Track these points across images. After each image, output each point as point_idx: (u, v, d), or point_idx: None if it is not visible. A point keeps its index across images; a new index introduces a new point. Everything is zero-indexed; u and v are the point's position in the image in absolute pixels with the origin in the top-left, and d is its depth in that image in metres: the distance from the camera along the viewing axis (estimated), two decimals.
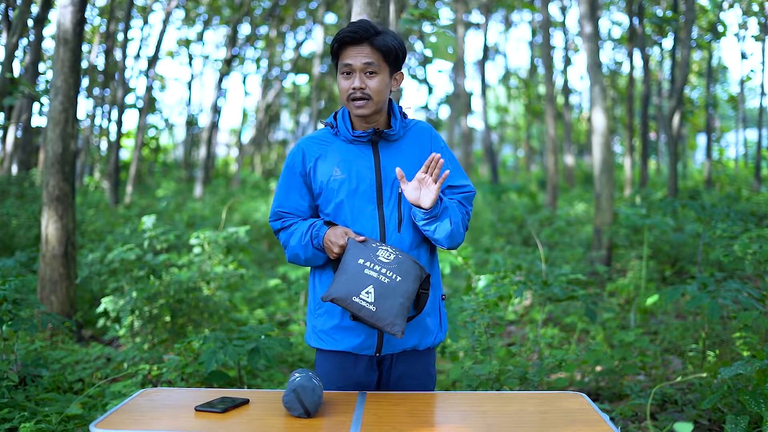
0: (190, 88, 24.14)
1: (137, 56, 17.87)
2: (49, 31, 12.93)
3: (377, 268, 1.98)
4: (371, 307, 1.95)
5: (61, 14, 4.88)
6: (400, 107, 2.21)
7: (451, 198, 2.20)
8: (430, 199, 2.02)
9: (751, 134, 25.41)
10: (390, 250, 2.02)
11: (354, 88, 2.06)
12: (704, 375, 3.35)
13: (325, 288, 2.15)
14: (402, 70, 2.18)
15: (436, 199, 2.03)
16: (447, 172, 1.99)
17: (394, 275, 1.98)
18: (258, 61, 23.30)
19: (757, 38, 15.44)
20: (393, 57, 2.09)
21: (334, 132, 2.17)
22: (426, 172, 2.03)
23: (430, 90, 26.65)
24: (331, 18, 20.66)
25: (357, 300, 1.95)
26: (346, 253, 2.01)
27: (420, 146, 2.19)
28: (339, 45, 2.08)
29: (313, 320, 2.21)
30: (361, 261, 1.98)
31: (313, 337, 2.20)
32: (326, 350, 2.18)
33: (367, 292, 1.95)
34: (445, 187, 2.20)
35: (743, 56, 17.99)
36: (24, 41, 11.24)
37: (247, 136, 25.95)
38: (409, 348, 2.16)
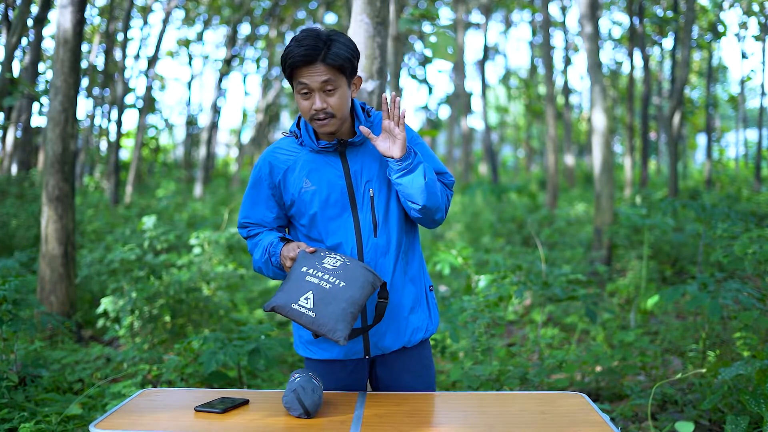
0: (190, 88, 24.15)
1: (137, 56, 17.86)
2: (48, 31, 12.94)
3: (319, 274, 1.94)
4: (310, 313, 1.91)
5: (60, 14, 4.88)
6: (362, 104, 2.15)
7: None
8: (399, 147, 2.00)
9: (751, 134, 25.42)
10: (339, 258, 1.99)
11: (316, 110, 1.99)
12: (704, 371, 3.34)
13: None
14: (359, 74, 2.11)
15: (405, 145, 2.00)
16: (404, 111, 1.98)
17: (338, 281, 1.94)
18: (258, 61, 23.29)
19: (757, 38, 15.44)
20: (348, 67, 2.01)
21: (299, 141, 2.13)
22: (389, 119, 2.01)
23: (430, 90, 26.64)
24: (331, 18, 20.66)
25: (296, 307, 1.92)
26: (293, 265, 2.00)
27: None
28: (291, 68, 1.99)
29: (298, 330, 2.21)
30: (304, 269, 1.96)
31: (301, 347, 2.21)
32: (314, 359, 2.18)
33: (306, 299, 1.92)
34: None
35: (743, 56, 17.99)
36: (24, 41, 11.23)
37: (247, 136, 25.95)
38: (397, 348, 2.15)
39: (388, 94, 2.03)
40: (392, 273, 2.11)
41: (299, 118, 2.15)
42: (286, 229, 2.24)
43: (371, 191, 2.09)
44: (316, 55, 1.95)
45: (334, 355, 2.13)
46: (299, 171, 2.10)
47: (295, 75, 1.99)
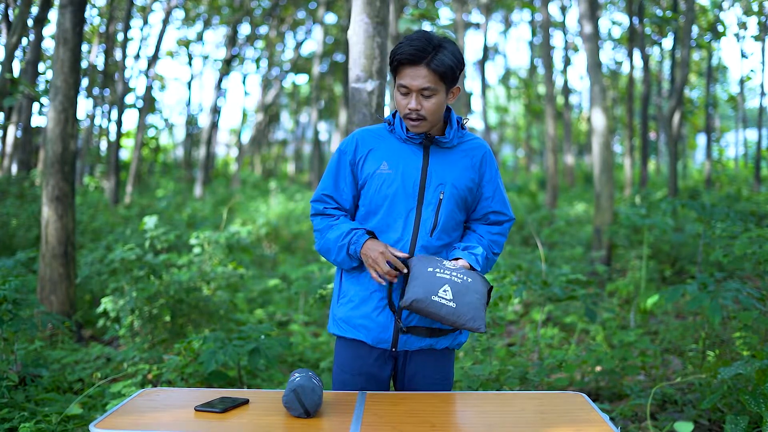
0: (190, 88, 24.14)
1: (137, 56, 17.86)
2: (48, 31, 12.94)
3: (447, 272, 2.02)
4: (451, 303, 1.98)
5: (60, 14, 4.88)
6: (459, 117, 2.22)
7: (485, 232, 2.26)
8: None
9: (751, 134, 25.41)
10: (452, 263, 2.08)
11: (410, 109, 2.08)
12: (703, 376, 3.35)
13: (351, 279, 2.20)
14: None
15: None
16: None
17: (465, 276, 2.03)
18: (258, 61, 23.28)
19: (757, 38, 15.44)
20: (450, 76, 2.08)
21: (390, 129, 2.21)
22: None
23: None
24: (331, 18, 20.66)
25: (436, 299, 1.98)
26: (415, 266, 2.04)
27: (471, 161, 2.21)
28: (397, 64, 2.08)
29: (335, 309, 2.25)
30: (430, 269, 2.02)
31: (333, 324, 2.25)
32: (344, 338, 2.22)
33: (444, 290, 1.99)
34: (489, 212, 2.25)
35: (743, 56, 17.99)
36: (24, 41, 11.23)
37: (247, 136, 25.95)
38: (425, 347, 2.17)
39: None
40: None
41: (396, 110, 2.22)
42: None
43: (441, 194, 2.15)
44: (423, 57, 2.03)
45: (362, 337, 2.17)
46: (381, 153, 2.17)
47: (399, 73, 2.08)
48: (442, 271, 2.02)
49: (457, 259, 2.16)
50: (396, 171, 2.14)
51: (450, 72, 2.06)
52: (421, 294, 1.98)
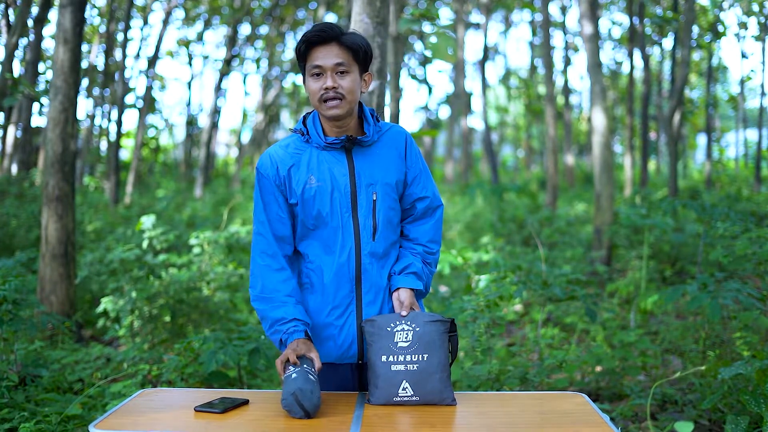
0: (190, 88, 24.13)
1: (137, 56, 17.86)
2: (49, 31, 12.92)
3: (401, 359, 1.99)
4: (414, 398, 1.98)
5: (60, 14, 4.88)
6: (372, 110, 2.17)
7: (415, 234, 2.21)
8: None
9: (751, 134, 25.39)
10: (405, 327, 2.01)
11: (326, 88, 2.01)
12: (703, 368, 3.35)
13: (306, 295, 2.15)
14: (370, 71, 2.15)
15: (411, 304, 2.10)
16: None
17: (419, 356, 1.99)
18: (258, 61, 23.28)
19: (757, 38, 15.44)
20: (362, 55, 2.06)
21: (305, 139, 2.11)
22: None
23: (430, 90, 26.63)
24: (331, 18, 20.66)
25: (398, 399, 1.98)
26: (369, 349, 2.02)
27: (395, 151, 2.16)
28: (306, 46, 2.04)
29: None
30: (384, 358, 1.99)
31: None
32: None
33: (403, 389, 1.98)
34: (415, 199, 2.19)
35: (743, 56, 17.99)
36: (24, 41, 11.23)
37: (247, 136, 25.95)
38: None
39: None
40: (387, 278, 2.14)
41: (304, 117, 2.15)
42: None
43: (374, 195, 2.09)
44: (332, 35, 2.02)
45: (327, 359, 2.13)
46: (304, 167, 2.08)
47: (310, 56, 2.04)
48: (396, 358, 1.98)
49: (398, 289, 2.10)
50: (325, 182, 2.06)
51: (361, 51, 2.05)
52: (383, 399, 1.99)
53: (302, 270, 2.16)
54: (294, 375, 1.87)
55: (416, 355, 1.99)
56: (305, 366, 1.91)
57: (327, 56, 2.01)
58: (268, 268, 2.11)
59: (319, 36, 2.01)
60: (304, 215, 2.10)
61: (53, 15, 13.27)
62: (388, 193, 2.12)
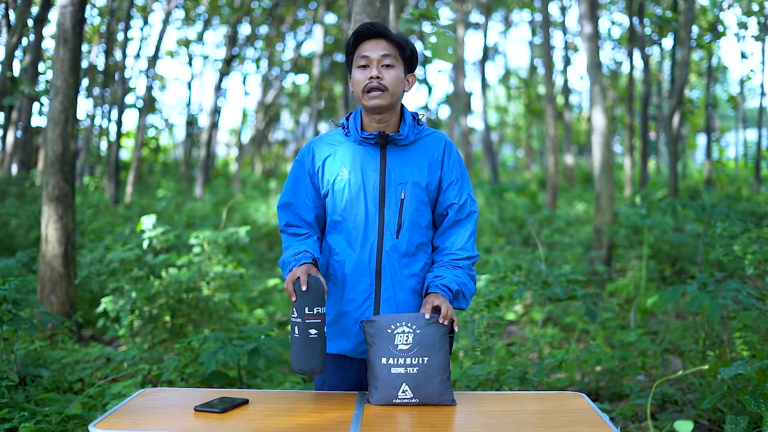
0: (190, 88, 24.12)
1: (137, 56, 17.85)
2: (49, 31, 12.92)
3: (401, 361, 1.98)
4: (414, 400, 1.99)
5: (61, 14, 4.88)
6: (414, 113, 2.21)
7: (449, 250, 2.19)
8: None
9: (751, 134, 25.39)
10: (406, 329, 2.00)
11: (371, 77, 2.08)
12: (705, 367, 3.35)
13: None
14: (414, 74, 2.21)
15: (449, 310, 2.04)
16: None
17: (420, 359, 1.99)
18: (258, 61, 23.28)
19: (757, 38, 15.43)
20: (408, 53, 2.13)
21: (345, 133, 2.19)
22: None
23: (430, 90, 26.64)
24: (331, 18, 20.65)
25: (398, 401, 1.99)
26: (369, 350, 2.01)
27: (431, 155, 2.17)
28: (355, 38, 2.12)
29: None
30: (384, 360, 1.99)
31: None
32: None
33: (403, 391, 1.98)
34: (448, 204, 2.19)
35: (743, 56, 17.98)
36: (24, 41, 11.23)
37: (247, 135, 25.95)
38: None
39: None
40: (410, 278, 2.15)
41: (350, 114, 2.21)
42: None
43: (403, 193, 2.12)
44: (382, 29, 2.12)
45: (339, 350, 2.16)
46: (339, 159, 2.16)
47: (358, 49, 2.12)
48: (396, 361, 1.98)
49: (427, 293, 2.10)
50: (356, 175, 2.12)
51: (408, 48, 2.13)
52: (383, 400, 1.99)
53: (329, 263, 2.19)
54: (296, 334, 1.94)
55: (416, 358, 1.99)
56: (312, 285, 1.94)
57: (374, 48, 2.10)
58: (288, 245, 2.19)
59: (369, 30, 2.10)
60: (333, 206, 2.16)
61: (53, 15, 13.27)
62: (417, 194, 2.14)
